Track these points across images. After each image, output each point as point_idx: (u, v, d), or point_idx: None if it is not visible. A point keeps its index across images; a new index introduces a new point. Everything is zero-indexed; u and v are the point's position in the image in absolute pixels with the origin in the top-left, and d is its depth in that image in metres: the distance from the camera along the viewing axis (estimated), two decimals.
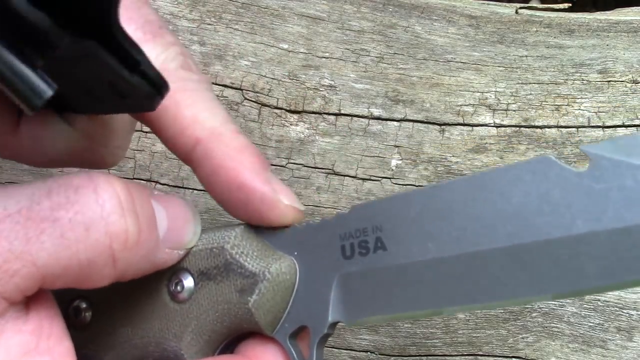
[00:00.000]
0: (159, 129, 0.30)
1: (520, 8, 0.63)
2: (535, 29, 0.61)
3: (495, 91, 0.56)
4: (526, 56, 0.59)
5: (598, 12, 0.64)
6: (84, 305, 0.32)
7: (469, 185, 0.27)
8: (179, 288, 0.30)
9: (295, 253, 0.30)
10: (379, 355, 0.53)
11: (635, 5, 0.64)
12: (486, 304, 0.27)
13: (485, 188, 0.26)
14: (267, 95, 0.56)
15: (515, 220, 0.26)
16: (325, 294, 0.29)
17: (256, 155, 0.29)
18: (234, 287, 0.29)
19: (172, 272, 0.30)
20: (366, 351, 0.53)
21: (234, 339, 0.31)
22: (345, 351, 0.53)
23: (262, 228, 0.31)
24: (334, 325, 0.29)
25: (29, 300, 0.26)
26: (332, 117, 0.55)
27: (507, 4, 0.64)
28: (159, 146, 0.54)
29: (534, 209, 0.25)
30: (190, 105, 0.29)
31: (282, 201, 0.29)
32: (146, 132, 0.54)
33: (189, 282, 0.30)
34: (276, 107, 0.55)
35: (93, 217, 0.25)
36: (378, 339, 0.53)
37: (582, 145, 0.26)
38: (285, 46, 0.58)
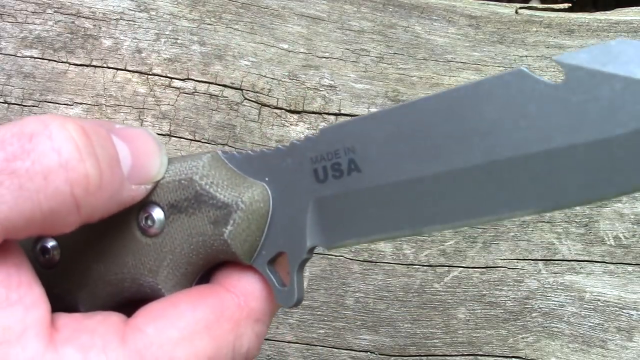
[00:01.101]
0: None
1: (520, 8, 0.63)
2: (535, 29, 0.61)
3: None
4: (526, 56, 0.59)
5: (598, 12, 0.64)
6: (51, 244, 0.32)
7: (442, 102, 0.26)
8: (149, 222, 0.29)
9: (267, 179, 0.29)
10: (379, 355, 0.53)
11: (635, 5, 0.64)
12: (465, 221, 0.26)
13: (459, 104, 0.25)
14: (267, 95, 0.56)
15: (490, 136, 0.25)
16: (301, 219, 0.28)
17: None
18: (207, 219, 0.29)
19: (141, 206, 0.29)
20: (366, 351, 0.53)
21: (211, 268, 0.31)
22: (345, 351, 0.53)
23: (230, 155, 0.30)
24: (312, 249, 0.29)
25: None
26: (332, 117, 0.55)
27: (507, 4, 0.64)
28: None
29: (510, 124, 0.24)
30: None
31: None
32: None
33: (158, 215, 0.29)
34: (276, 107, 0.55)
35: (50, 165, 0.24)
36: (378, 339, 0.53)
37: (556, 56, 0.24)
38: (285, 46, 0.58)
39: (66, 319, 0.27)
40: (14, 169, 0.24)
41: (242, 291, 0.29)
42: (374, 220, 0.27)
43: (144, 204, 0.30)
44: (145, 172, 0.29)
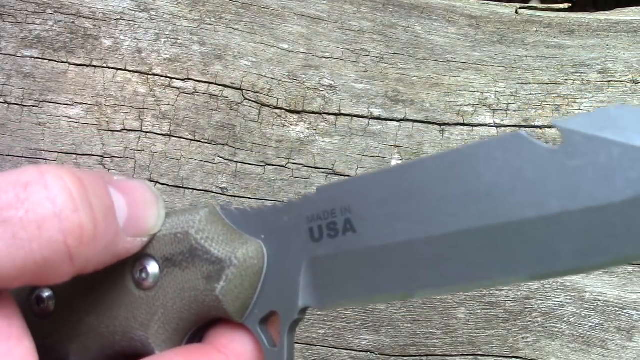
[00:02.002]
0: None
1: (520, 8, 0.63)
2: (535, 29, 0.61)
3: (495, 91, 0.56)
4: (526, 56, 0.59)
5: (598, 12, 0.64)
6: (46, 294, 0.31)
7: (438, 164, 0.26)
8: (143, 275, 0.29)
9: (262, 236, 0.29)
10: (379, 355, 0.53)
11: (635, 5, 0.64)
12: (459, 286, 0.26)
13: (456, 166, 0.25)
14: (267, 95, 0.56)
15: (486, 200, 0.25)
16: (294, 278, 0.28)
17: None
18: (200, 274, 0.28)
19: (136, 258, 0.29)
20: (366, 351, 0.53)
21: (203, 325, 0.30)
22: (345, 351, 0.53)
23: (228, 210, 0.30)
24: (304, 310, 0.29)
25: None
26: (332, 117, 0.55)
27: (507, 4, 0.64)
28: (159, 146, 0.54)
29: (506, 188, 0.24)
30: None
31: None
32: (146, 132, 0.54)
33: (153, 268, 0.29)
34: (276, 107, 0.55)
35: (45, 214, 0.24)
36: (378, 339, 0.53)
37: (554, 119, 0.25)
38: (285, 46, 0.58)
39: None
40: (8, 217, 0.24)
41: (234, 353, 0.28)
42: (366, 281, 0.27)
43: (140, 256, 0.29)
44: (141, 224, 0.29)
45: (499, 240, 0.24)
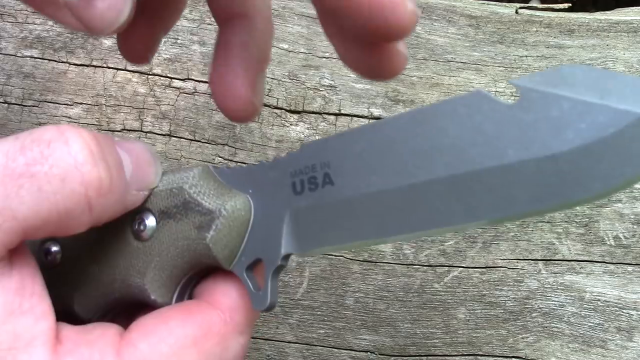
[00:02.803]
0: None
1: (520, 8, 0.63)
2: (535, 29, 0.61)
3: (495, 91, 0.56)
4: (526, 56, 0.59)
5: (598, 12, 0.64)
6: (54, 248, 0.34)
7: (409, 121, 0.28)
8: (142, 227, 0.32)
9: (250, 191, 0.31)
10: (379, 355, 0.53)
11: (635, 5, 0.64)
12: (426, 231, 0.28)
13: (424, 122, 0.28)
14: (267, 95, 0.56)
15: (451, 152, 0.27)
16: (277, 228, 0.30)
17: None
18: (193, 224, 0.31)
19: (135, 212, 0.32)
20: (366, 351, 0.53)
21: (195, 274, 0.32)
22: (345, 351, 0.53)
23: (220, 169, 0.32)
24: (286, 257, 0.31)
25: (12, 256, 0.27)
26: (332, 117, 0.55)
27: (507, 4, 0.64)
28: (159, 146, 0.54)
29: (469, 141, 0.27)
30: None
31: (407, 4, 0.28)
32: (146, 132, 0.54)
33: (151, 221, 0.32)
34: (276, 107, 0.55)
35: (67, 169, 0.27)
36: (378, 339, 0.53)
37: (511, 79, 0.27)
38: (285, 46, 0.58)
39: (69, 331, 0.28)
40: (34, 172, 0.26)
41: (227, 307, 0.31)
42: (343, 229, 0.29)
43: (139, 210, 0.32)
44: (144, 178, 0.31)
45: (462, 189, 0.27)
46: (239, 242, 0.31)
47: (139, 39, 0.36)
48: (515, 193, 0.26)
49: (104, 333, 0.29)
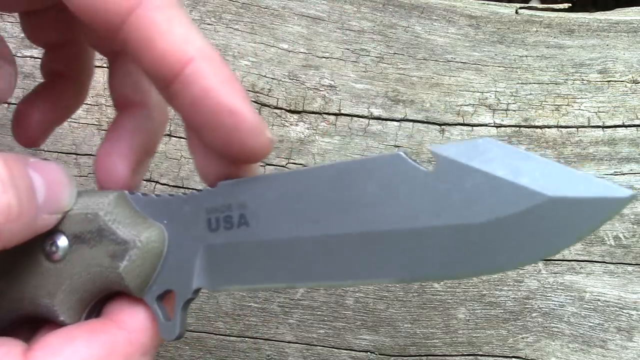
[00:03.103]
0: (143, 46, 0.29)
1: (520, 8, 0.63)
2: (535, 29, 0.61)
3: (495, 91, 0.57)
4: (526, 56, 0.59)
5: (598, 12, 0.64)
6: None
7: (328, 173, 0.29)
8: (53, 248, 0.32)
9: (165, 221, 0.32)
10: (379, 355, 0.53)
11: (635, 5, 0.64)
12: (336, 282, 0.29)
13: (343, 178, 0.29)
14: (267, 95, 0.56)
15: (366, 210, 0.28)
16: (191, 262, 0.31)
17: (241, 85, 0.30)
18: (106, 252, 0.31)
19: (48, 233, 0.32)
20: (366, 351, 0.53)
21: (104, 297, 0.33)
22: (345, 351, 0.53)
23: (135, 195, 0.33)
24: (197, 290, 0.31)
25: None
26: (332, 117, 0.55)
27: (507, 4, 0.64)
28: (159, 146, 0.54)
29: (385, 201, 0.28)
30: (179, 24, 0.29)
31: (266, 133, 0.29)
32: None
33: (63, 242, 0.32)
34: (276, 107, 0.55)
35: None
36: (378, 339, 0.53)
37: (432, 145, 0.28)
38: (285, 46, 0.58)
39: None
40: None
41: (134, 327, 0.31)
42: (255, 270, 0.30)
43: (51, 231, 0.32)
44: (57, 202, 0.31)
45: (374, 246, 0.28)
46: (152, 272, 0.32)
47: (34, 125, 0.37)
48: (425, 257, 0.27)
49: (8, 352, 0.28)
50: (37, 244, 0.32)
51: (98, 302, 0.33)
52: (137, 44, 0.29)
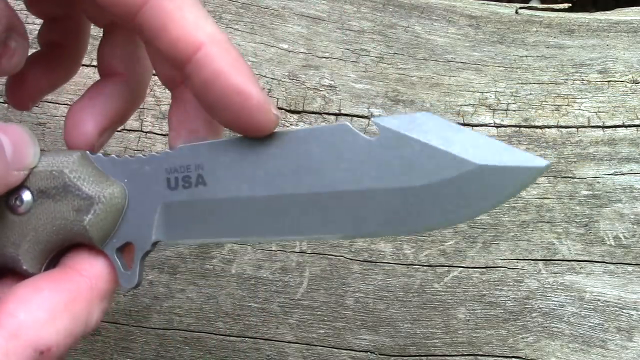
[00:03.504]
0: (158, 32, 0.32)
1: (520, 8, 0.63)
2: (535, 29, 0.61)
3: (495, 91, 0.57)
4: (526, 56, 0.59)
5: (598, 12, 0.64)
6: None
7: (280, 140, 0.32)
8: (17, 202, 0.34)
9: (126, 180, 0.34)
10: (379, 355, 0.53)
11: (635, 5, 0.64)
12: (285, 237, 0.32)
13: (293, 143, 0.32)
14: (267, 95, 0.56)
15: (315, 173, 0.31)
16: (150, 217, 0.34)
17: (248, 66, 0.33)
18: (72, 207, 0.34)
19: (12, 189, 0.34)
20: (366, 351, 0.53)
21: (65, 248, 0.35)
22: (345, 351, 0.53)
23: (97, 156, 0.35)
24: (155, 243, 0.34)
25: None
26: (332, 117, 0.55)
27: (507, 4, 0.64)
28: (159, 146, 0.54)
29: (331, 165, 0.31)
30: (190, 11, 0.32)
31: (272, 110, 0.32)
32: (146, 132, 0.54)
33: (27, 197, 0.34)
34: (276, 107, 0.55)
35: None
36: (378, 339, 0.53)
37: (374, 117, 0.32)
38: (285, 46, 0.58)
39: None
40: None
41: (94, 275, 0.34)
42: (210, 226, 0.33)
43: (16, 187, 0.34)
44: (23, 159, 0.33)
45: (321, 206, 0.31)
46: (113, 226, 0.34)
47: (27, 90, 0.39)
48: (367, 216, 0.30)
49: None
50: (2, 200, 0.34)
51: (57, 252, 0.35)
52: (152, 30, 0.32)
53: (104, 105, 0.37)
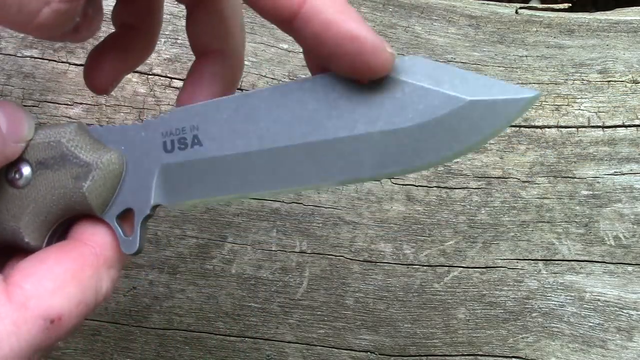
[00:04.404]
0: None
1: (520, 8, 0.63)
2: (535, 29, 0.61)
3: None
4: (526, 56, 0.59)
5: (598, 12, 0.64)
6: None
7: (273, 94, 0.32)
8: (17, 176, 0.34)
9: (123, 147, 0.35)
10: (379, 355, 0.53)
11: (635, 5, 0.64)
12: (283, 189, 0.32)
13: (286, 96, 0.32)
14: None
15: (309, 123, 0.31)
16: (148, 181, 0.34)
17: (354, 10, 0.33)
18: (70, 175, 0.34)
19: (10, 163, 0.34)
20: (366, 351, 0.53)
21: (67, 220, 0.35)
22: (345, 351, 0.53)
23: (94, 127, 0.36)
24: (155, 207, 0.34)
25: None
26: None
27: (507, 4, 0.65)
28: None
29: (324, 114, 0.31)
30: None
31: (387, 49, 0.32)
32: None
33: (26, 170, 0.34)
34: None
35: None
36: (378, 339, 0.53)
37: None
38: (285, 46, 0.58)
39: None
40: None
41: (97, 243, 0.34)
42: (209, 185, 0.33)
43: (14, 161, 0.35)
44: (19, 132, 0.34)
45: (317, 154, 0.31)
46: (112, 192, 0.34)
47: (105, 73, 0.40)
48: (363, 159, 0.31)
49: None
50: (1, 174, 0.34)
51: (59, 226, 0.35)
52: None
53: (209, 88, 0.37)
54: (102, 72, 0.39)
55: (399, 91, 0.30)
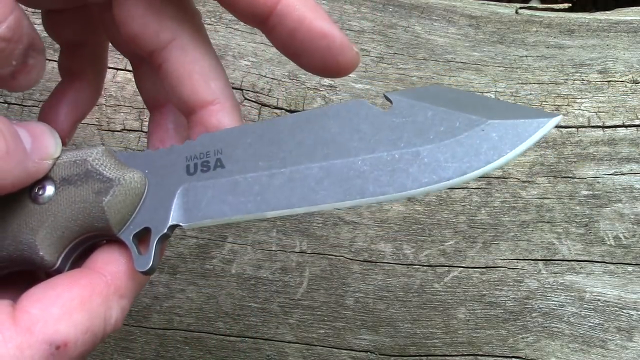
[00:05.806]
0: None
1: (520, 8, 0.63)
2: (535, 29, 0.61)
3: (495, 91, 0.56)
4: (526, 56, 0.59)
5: (598, 12, 0.64)
6: None
7: (297, 120, 0.33)
8: (40, 192, 0.34)
9: (146, 171, 0.35)
10: (379, 355, 0.53)
11: (635, 5, 0.64)
12: (301, 208, 0.32)
13: (310, 121, 0.33)
14: (267, 95, 0.56)
15: (330, 146, 0.32)
16: (168, 201, 0.34)
17: (323, 9, 0.34)
18: (92, 190, 0.34)
19: (37, 181, 0.35)
20: (366, 351, 0.53)
21: (83, 239, 0.35)
22: (345, 351, 0.53)
23: (120, 152, 0.36)
24: (173, 227, 0.34)
25: None
26: None
27: (507, 4, 0.65)
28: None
29: (347, 137, 0.32)
30: None
31: (354, 48, 0.33)
32: (146, 132, 0.54)
33: (50, 188, 0.35)
34: (276, 107, 0.55)
35: None
36: (378, 339, 0.53)
37: (386, 92, 0.34)
38: None
39: None
40: None
41: (110, 271, 0.34)
42: (229, 205, 0.33)
43: (40, 179, 0.35)
44: (44, 149, 0.34)
45: (337, 175, 0.32)
46: (131, 210, 0.34)
47: (59, 125, 0.41)
48: (383, 180, 0.31)
49: None
50: (25, 191, 0.34)
51: (75, 246, 0.35)
52: None
53: (177, 138, 0.40)
54: (57, 125, 0.40)
55: (421, 115, 0.31)
